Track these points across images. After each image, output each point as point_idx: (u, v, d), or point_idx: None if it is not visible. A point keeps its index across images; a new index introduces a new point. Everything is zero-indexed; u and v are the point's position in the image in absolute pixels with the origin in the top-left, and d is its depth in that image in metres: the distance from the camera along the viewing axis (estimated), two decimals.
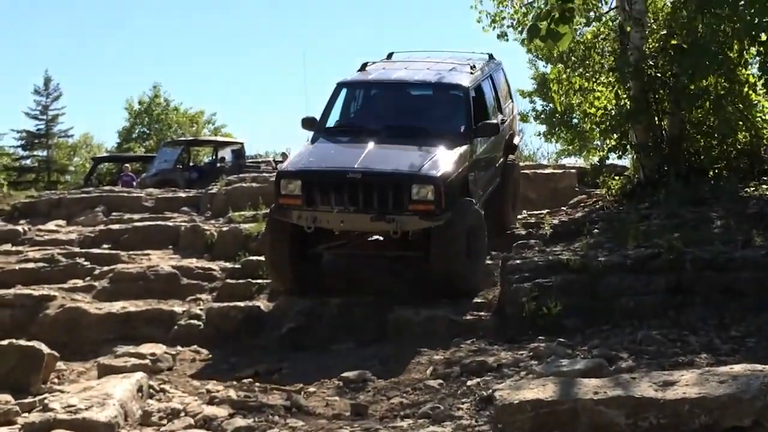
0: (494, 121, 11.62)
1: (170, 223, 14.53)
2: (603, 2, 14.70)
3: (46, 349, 8.06)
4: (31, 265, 12.47)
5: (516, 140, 14.35)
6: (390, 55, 13.32)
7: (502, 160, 12.89)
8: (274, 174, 11.21)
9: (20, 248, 13.85)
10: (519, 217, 14.28)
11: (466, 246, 9.89)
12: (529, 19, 15.16)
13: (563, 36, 6.40)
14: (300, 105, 57.51)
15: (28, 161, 50.77)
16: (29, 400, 7.29)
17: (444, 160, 10.16)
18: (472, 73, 11.95)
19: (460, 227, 9.83)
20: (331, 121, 11.73)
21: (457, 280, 9.79)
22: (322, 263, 11.02)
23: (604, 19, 14.69)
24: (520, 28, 15.88)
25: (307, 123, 11.74)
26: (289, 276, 10.35)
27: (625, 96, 13.36)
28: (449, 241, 9.73)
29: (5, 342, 8.14)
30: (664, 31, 13.49)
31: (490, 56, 13.44)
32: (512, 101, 14.29)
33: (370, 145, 10.46)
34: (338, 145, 11.19)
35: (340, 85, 11.92)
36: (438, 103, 11.58)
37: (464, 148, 10.68)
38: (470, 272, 10.00)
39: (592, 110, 13.84)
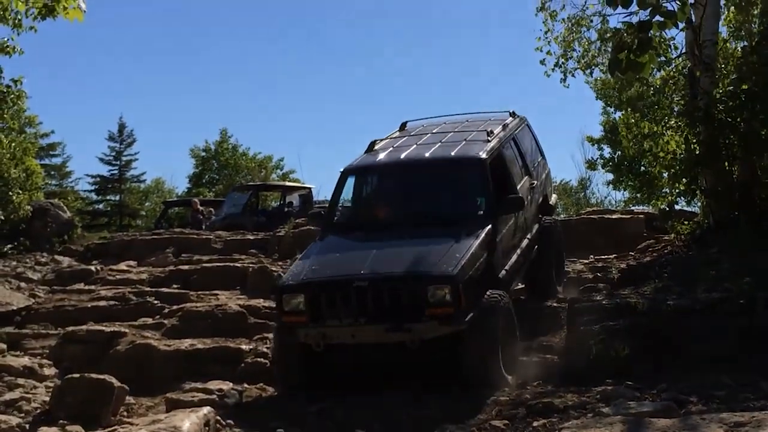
0: (518, 196, 10.46)
1: (238, 264, 14.76)
2: (672, 48, 14.64)
3: (116, 383, 8.23)
4: (102, 303, 12.79)
5: (552, 200, 13.26)
6: (403, 126, 12.37)
7: (537, 227, 11.79)
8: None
9: (92, 287, 14.23)
10: (585, 261, 14.17)
11: (499, 348, 8.70)
12: (598, 62, 15.23)
13: (644, 66, 6.30)
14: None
15: (101, 205, 51.72)
16: (99, 431, 7.43)
17: (461, 251, 8.98)
18: (489, 140, 10.74)
19: (488, 330, 8.62)
20: (340, 213, 10.93)
21: (490, 382, 8.55)
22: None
23: (674, 64, 14.63)
24: (589, 71, 15.93)
25: (313, 219, 11.09)
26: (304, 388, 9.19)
27: (694, 141, 13.24)
28: (479, 349, 8.54)
29: (77, 375, 8.34)
30: (735, 76, 13.36)
31: (512, 114, 12.33)
32: (543, 158, 13.10)
33: (380, 241, 9.55)
34: (345, 244, 10.04)
35: (345, 173, 10.88)
36: (453, 182, 10.44)
37: (485, 230, 9.49)
38: (503, 378, 8.69)
39: (662, 154, 13.70)
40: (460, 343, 8.58)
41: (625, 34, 6.19)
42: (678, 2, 6.85)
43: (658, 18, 6.11)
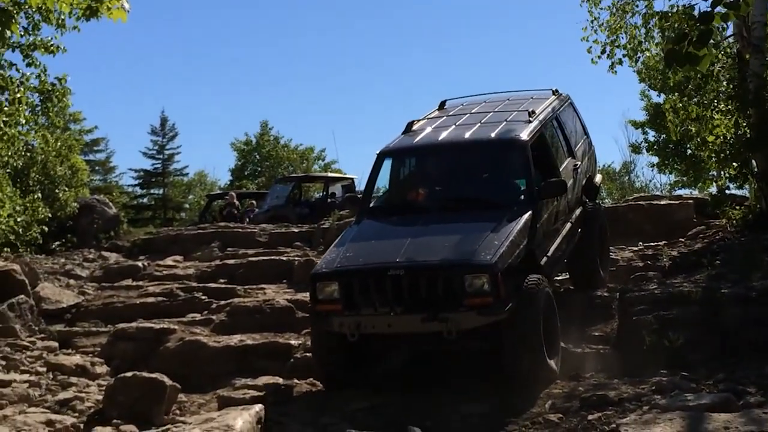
0: (561, 179, 10.01)
1: (284, 258, 14.77)
2: (720, 29, 14.37)
3: (168, 381, 8.25)
4: (151, 299, 12.86)
5: (597, 180, 12.63)
6: (442, 105, 11.92)
7: (580, 210, 11.33)
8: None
9: (140, 283, 14.33)
10: (634, 249, 13.96)
11: (542, 338, 8.36)
12: (643, 48, 15.02)
13: (702, 59, 6.04)
14: None
15: (145, 199, 52.19)
16: (152, 431, 7.46)
17: (500, 238, 8.62)
18: (530, 120, 10.33)
19: (531, 319, 8.27)
20: (377, 197, 10.66)
21: (533, 375, 8.31)
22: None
23: (721, 46, 14.35)
24: (636, 57, 15.71)
25: (350, 202, 10.92)
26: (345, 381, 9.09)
27: (745, 124, 13.00)
28: (522, 338, 8.21)
29: (129, 374, 8.39)
30: None
31: (554, 92, 11.80)
32: (587, 137, 12.55)
33: (417, 226, 9.15)
34: (381, 229, 9.71)
35: (381, 155, 10.49)
36: (493, 165, 10.21)
37: (526, 216, 9.15)
38: (546, 365, 8.42)
39: (711, 138, 13.44)
40: (501, 333, 8.30)
41: (685, 25, 5.99)
42: None
43: (719, 9, 5.85)
